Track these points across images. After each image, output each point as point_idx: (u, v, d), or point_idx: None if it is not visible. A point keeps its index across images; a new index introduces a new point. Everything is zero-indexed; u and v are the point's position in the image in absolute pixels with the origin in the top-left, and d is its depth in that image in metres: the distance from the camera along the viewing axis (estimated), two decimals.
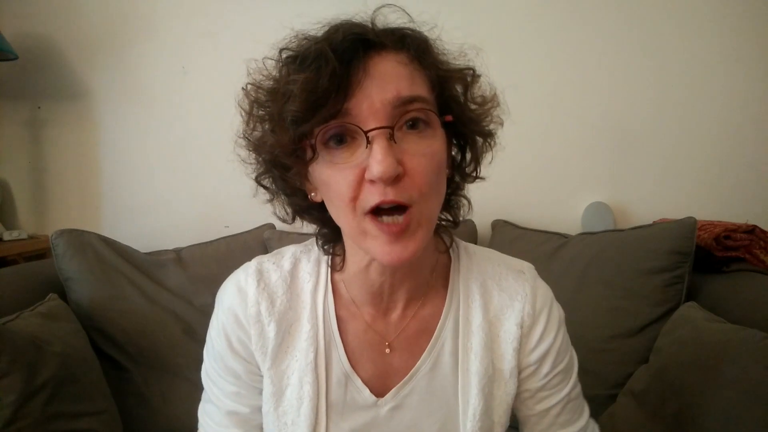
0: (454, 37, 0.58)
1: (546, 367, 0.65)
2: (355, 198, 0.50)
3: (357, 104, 0.49)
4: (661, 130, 1.57)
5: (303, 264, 0.65)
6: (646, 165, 1.58)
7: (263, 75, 0.55)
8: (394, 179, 0.49)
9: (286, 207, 0.62)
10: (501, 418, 0.63)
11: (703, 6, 1.53)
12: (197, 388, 0.69)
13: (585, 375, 1.19)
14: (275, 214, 0.63)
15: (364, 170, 0.49)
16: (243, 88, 0.56)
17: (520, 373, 0.64)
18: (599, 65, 1.57)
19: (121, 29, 1.63)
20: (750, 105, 1.54)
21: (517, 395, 0.66)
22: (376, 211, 0.50)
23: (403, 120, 0.50)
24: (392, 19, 0.55)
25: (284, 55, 0.53)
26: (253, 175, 0.60)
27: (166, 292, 1.34)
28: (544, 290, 0.67)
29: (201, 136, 1.64)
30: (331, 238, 0.64)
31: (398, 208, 0.50)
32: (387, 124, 0.49)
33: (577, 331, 1.22)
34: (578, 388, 0.69)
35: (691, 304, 1.14)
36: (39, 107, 1.66)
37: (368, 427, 0.61)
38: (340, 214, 0.54)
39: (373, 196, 0.49)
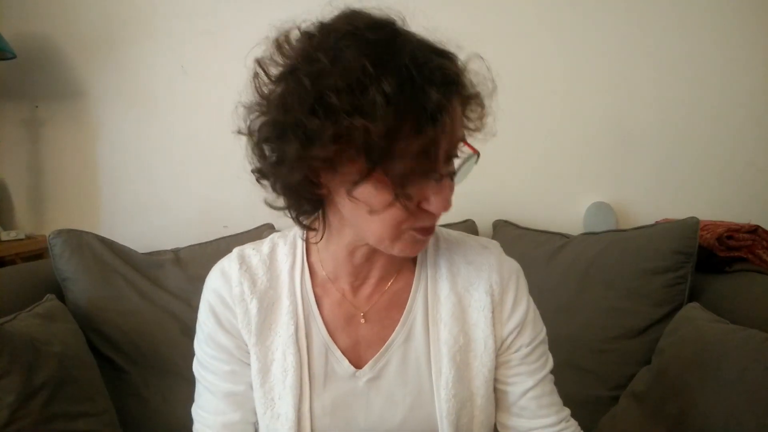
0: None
1: (526, 337, 0.67)
2: (406, 220, 0.55)
3: (439, 140, 0.50)
4: (664, 130, 1.57)
5: (280, 247, 0.69)
6: (648, 165, 1.58)
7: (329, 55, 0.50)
8: None
9: (276, 184, 0.58)
10: (480, 389, 0.65)
11: (705, 5, 1.53)
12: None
13: (587, 376, 1.21)
14: (252, 169, 0.58)
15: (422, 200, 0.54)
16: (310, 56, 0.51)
17: (501, 345, 0.67)
18: (601, 65, 1.57)
19: (120, 29, 1.62)
20: (753, 104, 1.54)
21: (501, 368, 0.67)
22: None
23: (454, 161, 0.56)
24: (473, 68, 0.56)
25: (365, 50, 0.48)
26: (255, 136, 0.56)
27: (164, 292, 1.34)
28: (510, 262, 0.71)
29: (200, 136, 1.63)
30: (310, 213, 0.62)
31: None
32: (452, 164, 0.55)
33: (578, 331, 1.24)
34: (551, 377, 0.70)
35: (694, 305, 1.14)
36: (37, 106, 1.65)
37: (348, 397, 0.64)
38: (375, 228, 0.56)
39: (425, 222, 0.56)
